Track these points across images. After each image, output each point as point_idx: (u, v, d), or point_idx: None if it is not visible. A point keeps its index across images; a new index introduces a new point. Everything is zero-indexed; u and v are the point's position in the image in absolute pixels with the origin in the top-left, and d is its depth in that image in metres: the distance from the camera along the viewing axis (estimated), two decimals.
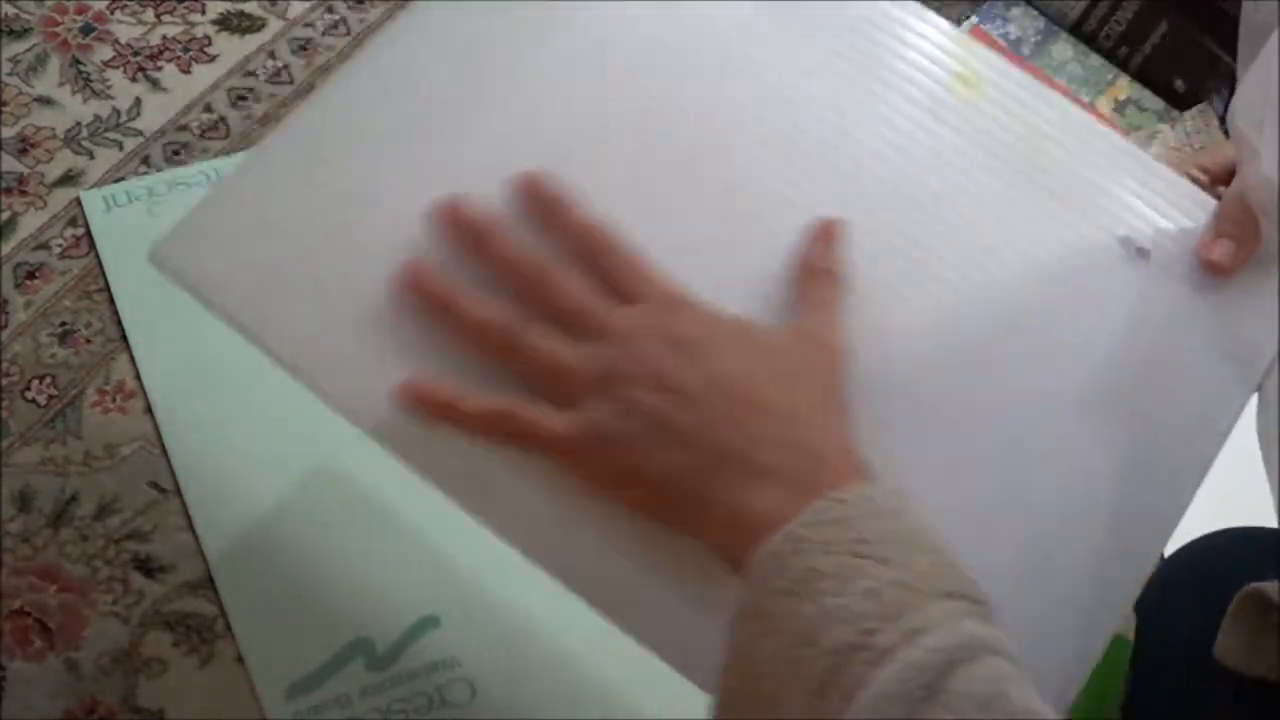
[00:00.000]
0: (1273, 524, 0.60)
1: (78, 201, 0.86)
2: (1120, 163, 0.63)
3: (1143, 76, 1.08)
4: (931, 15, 0.66)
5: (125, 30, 0.94)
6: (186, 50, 0.94)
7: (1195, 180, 0.64)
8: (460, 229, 0.55)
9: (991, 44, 1.06)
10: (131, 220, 0.85)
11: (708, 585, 0.50)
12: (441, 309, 0.54)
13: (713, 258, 0.57)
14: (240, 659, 0.72)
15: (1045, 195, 0.61)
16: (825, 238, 0.58)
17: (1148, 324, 0.59)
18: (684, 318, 0.52)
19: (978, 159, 0.61)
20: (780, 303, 0.57)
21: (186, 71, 0.93)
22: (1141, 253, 0.61)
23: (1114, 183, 0.62)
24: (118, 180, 0.87)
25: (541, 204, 0.56)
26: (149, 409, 0.79)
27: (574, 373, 0.51)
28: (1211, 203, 0.62)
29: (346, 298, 0.54)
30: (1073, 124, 0.64)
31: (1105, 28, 1.08)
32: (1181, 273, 0.61)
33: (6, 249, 0.84)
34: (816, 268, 0.57)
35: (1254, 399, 0.59)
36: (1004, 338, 0.54)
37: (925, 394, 0.56)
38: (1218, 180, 0.64)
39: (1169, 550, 0.82)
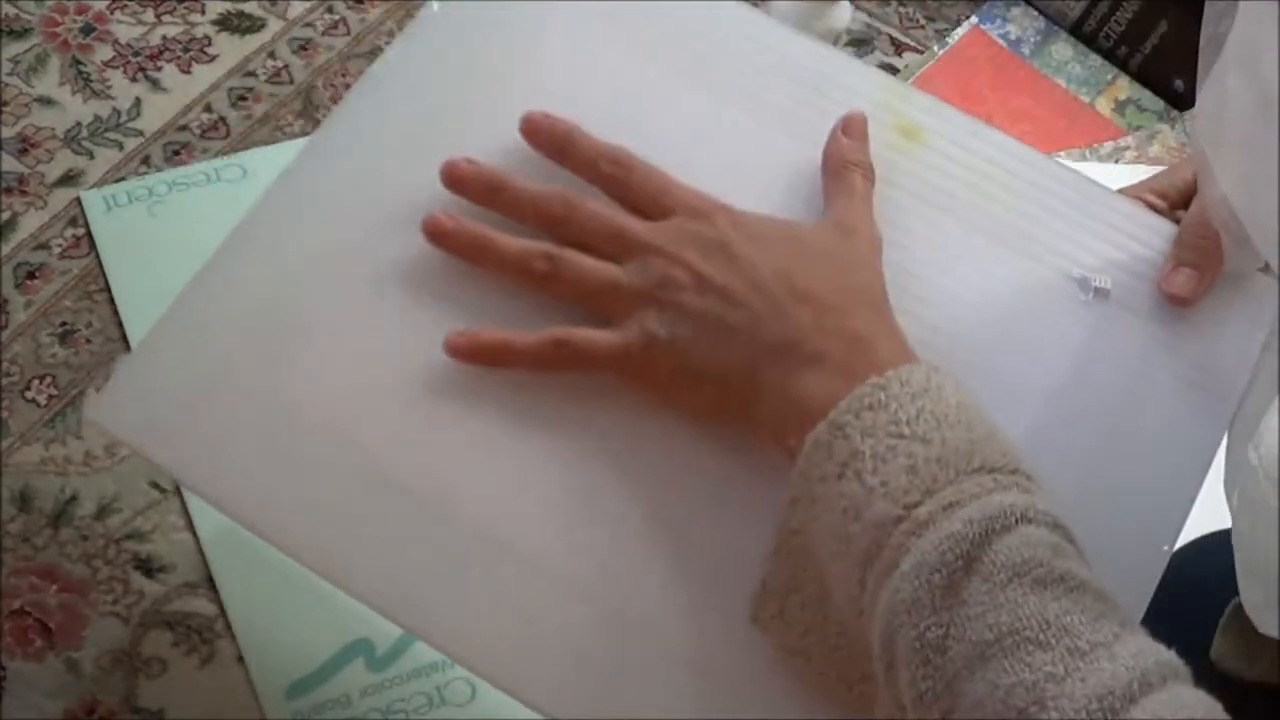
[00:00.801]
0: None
1: (78, 201, 0.86)
2: (1072, 197, 0.61)
3: (1143, 76, 1.07)
4: (866, 67, 0.64)
5: (125, 30, 0.94)
6: (186, 50, 0.94)
7: (1152, 206, 0.62)
8: (469, 185, 0.56)
9: (991, 44, 1.06)
10: (131, 220, 0.85)
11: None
12: (478, 250, 0.55)
13: None
14: (240, 659, 0.72)
15: (995, 243, 0.59)
16: (853, 132, 0.59)
17: (1111, 365, 0.58)
18: (717, 222, 0.54)
19: (923, 213, 0.59)
20: None
21: (186, 71, 0.93)
22: (1100, 293, 0.59)
23: (1066, 220, 0.60)
24: (118, 180, 0.87)
25: (555, 140, 0.57)
26: None
27: (620, 288, 0.53)
28: (1171, 229, 0.61)
29: (285, 441, 0.53)
30: (1019, 163, 0.62)
31: (1105, 28, 1.08)
32: (1142, 307, 0.59)
33: (6, 249, 0.84)
34: (846, 160, 0.58)
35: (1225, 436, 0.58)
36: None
37: None
38: (1176, 204, 0.63)
39: None
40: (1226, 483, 0.57)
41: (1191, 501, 0.56)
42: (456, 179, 0.56)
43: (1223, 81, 0.47)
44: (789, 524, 0.48)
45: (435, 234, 0.55)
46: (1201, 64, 0.50)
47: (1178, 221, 0.61)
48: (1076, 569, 0.43)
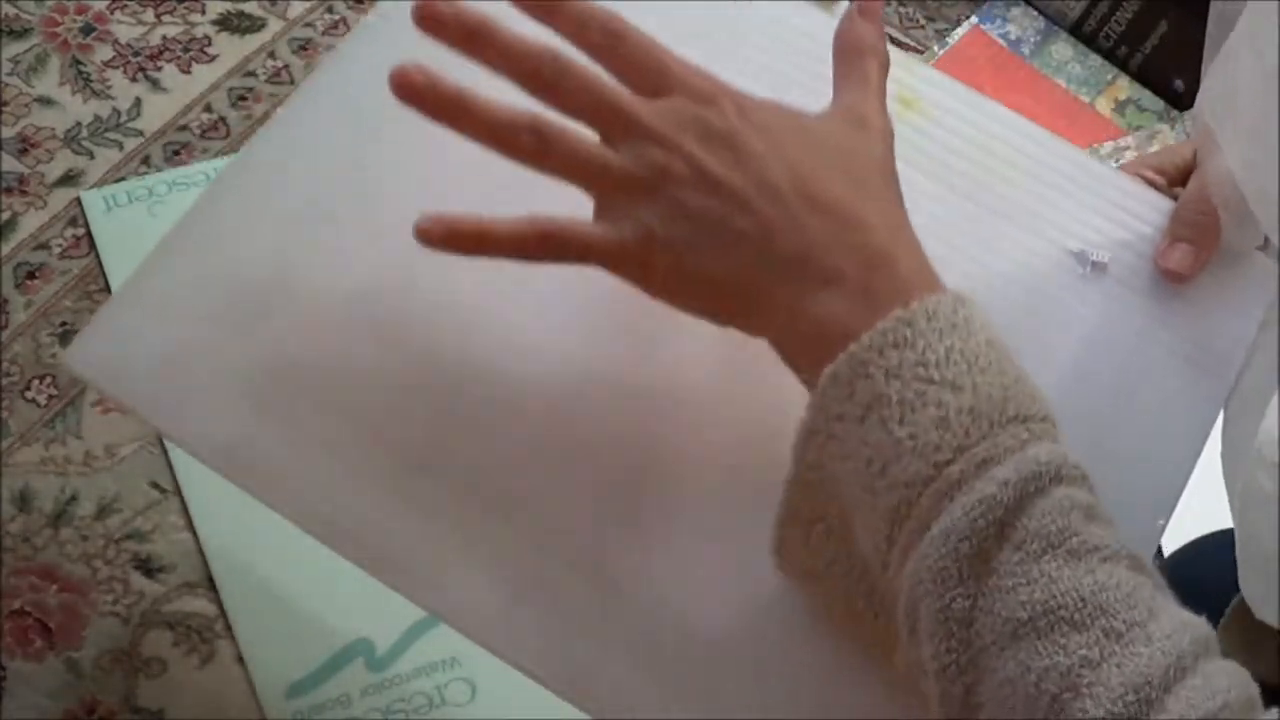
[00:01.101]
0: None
1: (78, 201, 0.86)
2: (1070, 173, 0.61)
3: (1143, 76, 1.08)
4: None
5: (125, 30, 0.94)
6: (186, 50, 0.94)
7: (1150, 182, 0.63)
8: (448, 26, 0.48)
9: (991, 44, 1.07)
10: (131, 220, 0.85)
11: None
12: (454, 111, 0.48)
13: None
14: (240, 659, 0.72)
15: (993, 214, 0.59)
16: (868, 14, 0.54)
17: (1108, 339, 0.58)
18: (722, 108, 0.48)
19: (919, 182, 0.59)
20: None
21: (186, 71, 0.93)
22: (1097, 267, 0.59)
23: (1064, 193, 0.60)
24: (118, 180, 0.87)
25: None
26: None
27: (613, 173, 0.47)
28: (1168, 205, 0.61)
29: (263, 390, 0.52)
30: (1018, 136, 0.62)
31: (1105, 28, 1.08)
32: (1139, 283, 0.59)
33: (6, 249, 0.84)
34: (861, 44, 0.53)
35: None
36: None
37: None
38: (1174, 182, 0.63)
39: (1168, 551, 0.82)
40: (1225, 461, 0.57)
41: (1187, 476, 0.56)
42: (433, 18, 0.48)
43: (1231, 60, 0.47)
44: (805, 457, 0.45)
45: (405, 90, 0.48)
46: (1209, 43, 0.50)
47: (1175, 199, 0.61)
48: (1108, 535, 0.42)
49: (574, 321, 0.54)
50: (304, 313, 0.54)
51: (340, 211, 0.56)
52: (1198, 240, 0.59)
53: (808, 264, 0.46)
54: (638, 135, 0.48)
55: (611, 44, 0.49)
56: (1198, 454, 0.57)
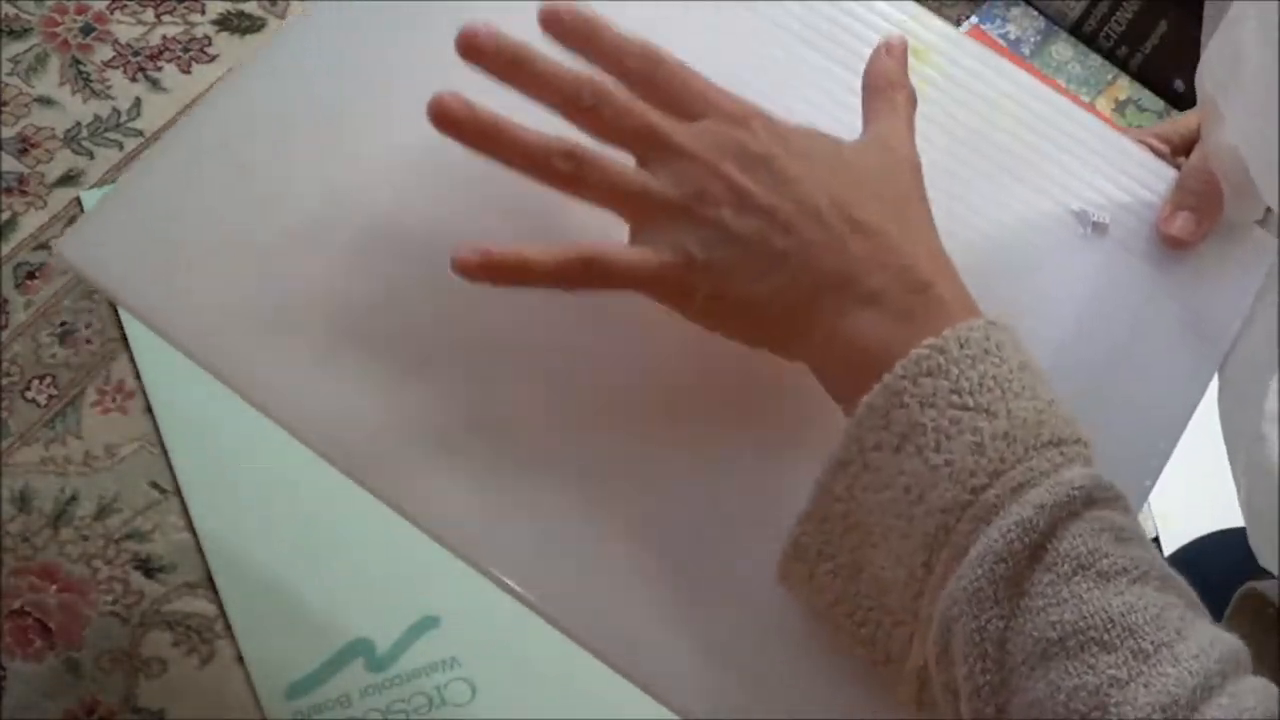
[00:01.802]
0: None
1: (78, 201, 0.86)
2: (1076, 134, 0.62)
3: (1143, 76, 1.08)
4: None
5: (125, 30, 0.94)
6: (186, 50, 0.94)
7: (1155, 150, 0.63)
8: (488, 55, 0.49)
9: (991, 44, 1.06)
10: None
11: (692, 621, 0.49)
12: (491, 139, 0.48)
13: None
14: (240, 659, 0.72)
15: (997, 169, 0.60)
16: (895, 53, 0.55)
17: (1107, 301, 0.58)
18: (756, 131, 0.48)
19: (926, 133, 0.60)
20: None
21: (186, 71, 0.93)
22: (1098, 227, 0.60)
23: (1070, 154, 0.61)
24: (117, 180, 0.87)
25: (576, 27, 0.50)
26: (149, 409, 0.79)
27: (650, 197, 0.47)
28: (1172, 174, 0.62)
29: (254, 288, 0.51)
30: (1025, 94, 0.62)
31: (1105, 28, 1.08)
32: (1141, 248, 0.60)
33: (6, 249, 0.84)
34: (890, 78, 0.54)
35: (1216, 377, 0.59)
36: None
37: None
38: (1178, 151, 0.63)
39: (1168, 551, 0.82)
40: (1224, 428, 0.57)
41: (1175, 442, 0.56)
42: (474, 48, 0.49)
43: (1236, 28, 0.47)
44: (833, 489, 0.45)
45: (441, 120, 0.48)
46: (1208, 13, 0.50)
47: (1179, 168, 0.62)
48: (1139, 554, 0.42)
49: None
50: (296, 216, 0.53)
51: (342, 116, 0.55)
52: (1200, 209, 0.59)
53: (849, 284, 0.47)
54: (675, 157, 0.48)
55: (648, 71, 0.50)
56: (1187, 420, 0.57)
